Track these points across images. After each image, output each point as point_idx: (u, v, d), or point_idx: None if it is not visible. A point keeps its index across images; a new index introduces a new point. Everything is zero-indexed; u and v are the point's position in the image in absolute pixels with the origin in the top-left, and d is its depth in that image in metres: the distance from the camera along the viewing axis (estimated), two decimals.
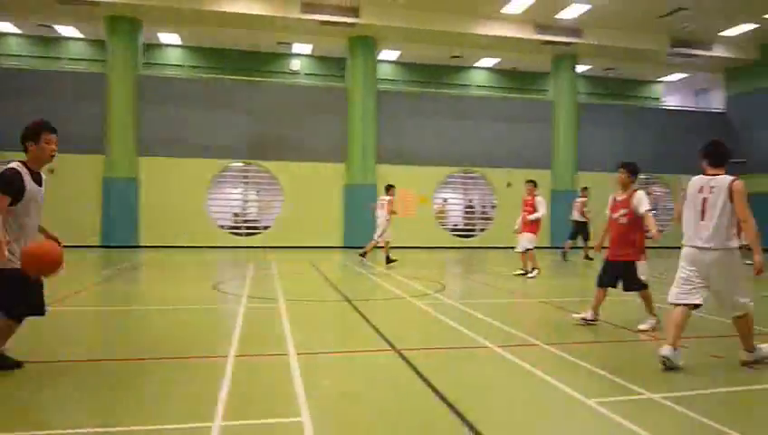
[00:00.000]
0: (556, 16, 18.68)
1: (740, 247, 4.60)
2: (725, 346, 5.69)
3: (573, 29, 19.51)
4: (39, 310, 4.33)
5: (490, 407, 3.79)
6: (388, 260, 12.93)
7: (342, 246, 19.16)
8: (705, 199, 4.61)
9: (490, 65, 24.48)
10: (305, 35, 20.22)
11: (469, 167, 21.07)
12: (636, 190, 6.39)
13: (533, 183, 11.97)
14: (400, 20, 18.50)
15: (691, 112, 24.29)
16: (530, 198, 11.70)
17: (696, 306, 4.67)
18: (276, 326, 6.15)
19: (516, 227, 11.92)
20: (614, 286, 6.43)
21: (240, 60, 22.69)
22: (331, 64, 23.42)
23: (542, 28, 19.36)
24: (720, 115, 23.30)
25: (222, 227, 19.54)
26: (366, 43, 19.64)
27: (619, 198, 6.43)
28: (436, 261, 15.68)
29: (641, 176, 22.29)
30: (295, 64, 23.60)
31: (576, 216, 15.72)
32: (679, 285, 4.75)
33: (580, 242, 15.89)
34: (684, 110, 24.67)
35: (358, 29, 18.73)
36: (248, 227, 20.03)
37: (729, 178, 4.60)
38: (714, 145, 4.79)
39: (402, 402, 3.83)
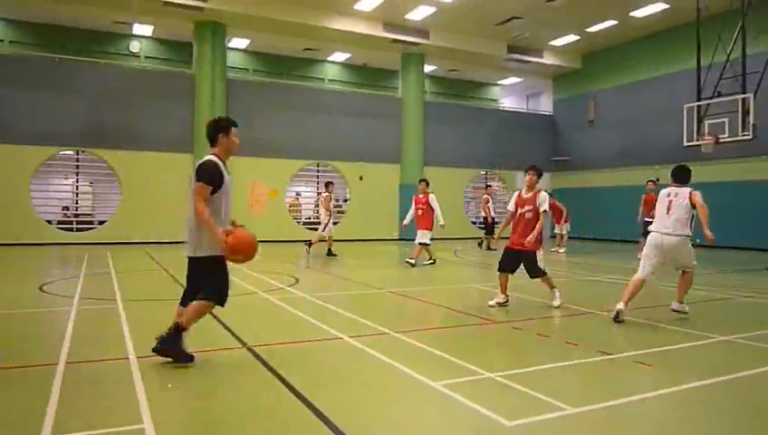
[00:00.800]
0: (405, 16, 19.34)
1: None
2: (553, 328, 6.32)
3: (421, 30, 20.35)
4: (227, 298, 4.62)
5: (344, 398, 3.82)
6: (330, 253, 14.34)
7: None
8: (671, 201, 6.49)
9: (342, 60, 24.70)
10: (145, 15, 18.84)
11: (322, 160, 21.16)
12: (540, 190, 7.26)
13: (426, 182, 12.70)
14: (250, 7, 17.95)
15: (524, 114, 26.59)
16: (423, 196, 12.43)
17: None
18: (114, 328, 5.69)
19: (406, 222, 12.88)
20: (513, 272, 7.31)
21: (74, 39, 20.54)
22: (175, 49, 22.10)
23: (391, 27, 19.94)
24: (549, 117, 25.77)
25: (49, 222, 17.62)
26: (214, 29, 18.80)
27: (526, 196, 7.27)
28: (290, 255, 15.52)
29: (480, 172, 24.17)
30: (135, 46, 21.92)
31: (482, 212, 17.70)
32: (644, 261, 6.55)
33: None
34: (518, 111, 26.92)
35: (205, 13, 17.84)
36: (80, 222, 18.28)
37: (689, 188, 6.53)
38: (679, 168, 6.77)
39: (254, 402, 3.72)
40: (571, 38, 21.50)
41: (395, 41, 20.34)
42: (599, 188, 22.69)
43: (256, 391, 3.92)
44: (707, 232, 6.32)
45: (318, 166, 21.47)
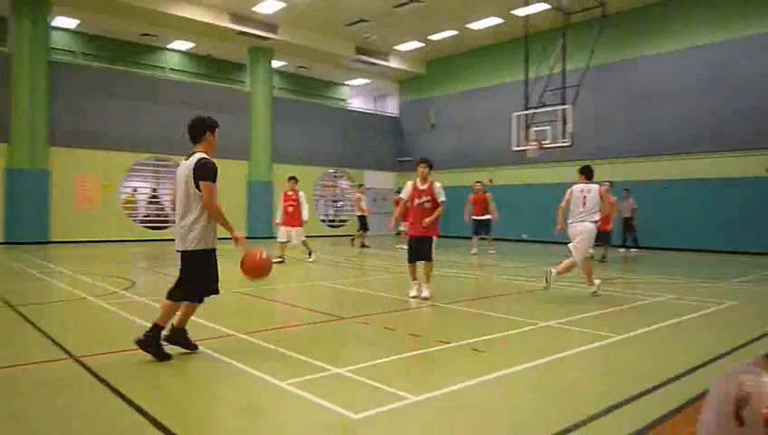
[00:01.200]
0: (253, 9, 18.86)
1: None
2: (398, 321, 6.55)
3: (269, 24, 19.99)
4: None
5: (186, 406, 3.62)
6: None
7: (4, 241, 16.18)
8: (585, 197, 7.90)
9: (184, 49, 23.40)
10: None
11: (162, 154, 19.89)
12: (433, 181, 7.69)
13: (295, 179, 12.77)
14: None
15: (372, 115, 27.31)
16: (292, 193, 12.48)
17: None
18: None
19: (278, 220, 12.77)
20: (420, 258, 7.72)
21: None
22: None
23: (237, 18, 19.34)
24: (395, 119, 26.74)
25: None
26: (34, 4, 16.80)
27: (422, 187, 7.69)
28: (125, 255, 14.40)
29: (329, 170, 24.37)
30: None
31: (357, 211, 17.75)
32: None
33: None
34: (366, 112, 27.59)
35: None
36: None
37: (597, 185, 7.96)
38: (587, 167, 8.21)
39: (85, 419, 3.37)
40: (416, 44, 22.51)
41: (242, 33, 19.75)
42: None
43: (88, 406, 3.56)
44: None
45: (156, 160, 20.16)
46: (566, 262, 7.95)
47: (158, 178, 21.05)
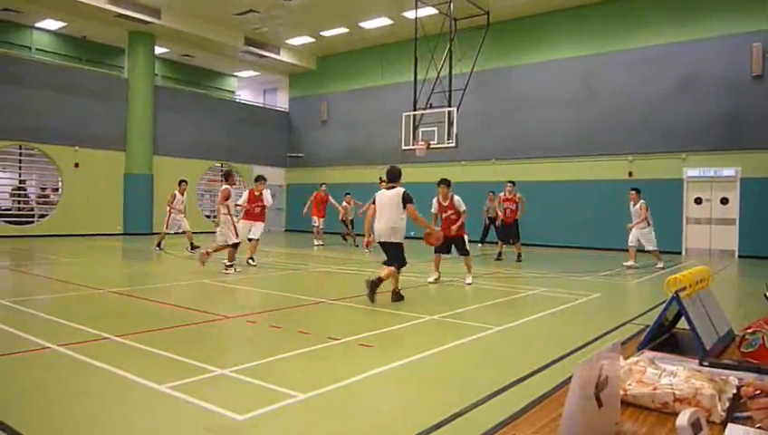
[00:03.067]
0: None
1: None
2: (286, 319, 6.47)
3: (152, 8, 18.85)
4: None
5: (53, 416, 3.33)
6: (193, 247, 13.75)
7: None
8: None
9: (54, 28, 21.45)
10: None
11: (27, 142, 18.14)
12: (453, 196, 9.36)
13: (263, 179, 11.95)
14: None
15: (261, 108, 26.67)
16: (260, 194, 11.60)
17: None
18: None
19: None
20: (448, 253, 9.46)
21: None
22: None
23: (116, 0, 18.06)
24: (285, 114, 26.32)
25: None
26: None
27: (445, 203, 9.43)
28: None
29: (215, 163, 23.50)
30: None
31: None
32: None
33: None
34: (255, 105, 26.89)
35: None
36: None
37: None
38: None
39: None
40: (307, 39, 22.30)
41: (120, 15, 18.46)
42: (330, 185, 23.99)
43: None
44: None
45: (21, 148, 18.36)
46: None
47: (21, 169, 19.19)
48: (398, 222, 7.16)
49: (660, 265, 12.17)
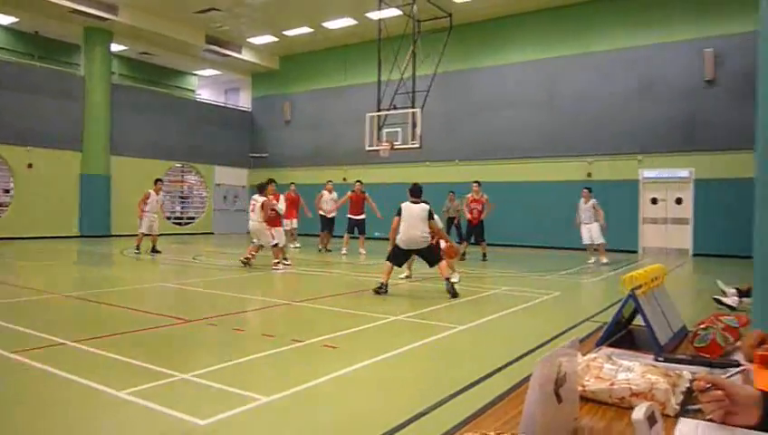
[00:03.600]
0: None
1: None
2: (249, 321, 6.39)
3: (109, 4, 18.37)
4: None
5: (11, 426, 3.21)
6: (153, 250, 13.48)
7: None
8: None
9: (6, 23, 20.65)
10: None
11: None
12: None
13: (274, 182, 11.90)
14: None
15: (223, 108, 26.25)
16: (273, 196, 11.53)
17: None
18: None
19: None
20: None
21: None
22: None
23: None
24: (247, 114, 25.99)
25: None
26: None
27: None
28: None
29: (176, 164, 23.07)
30: None
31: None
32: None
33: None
34: (216, 104, 26.45)
35: None
36: None
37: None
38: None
39: None
40: (269, 38, 22.08)
41: (75, 11, 17.92)
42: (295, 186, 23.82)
43: None
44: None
45: None
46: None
47: None
48: (426, 232, 8.07)
49: (605, 260, 12.90)
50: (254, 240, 11.49)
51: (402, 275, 9.57)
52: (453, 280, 8.35)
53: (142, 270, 11.20)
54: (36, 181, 18.36)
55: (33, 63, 19.94)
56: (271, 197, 11.45)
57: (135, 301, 7.55)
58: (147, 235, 13.71)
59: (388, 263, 8.17)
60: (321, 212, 15.46)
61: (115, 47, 21.20)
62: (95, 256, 13.98)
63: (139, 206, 13.80)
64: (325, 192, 15.56)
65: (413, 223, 8.03)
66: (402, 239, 8.06)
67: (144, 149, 21.35)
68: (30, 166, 18.21)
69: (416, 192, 8.38)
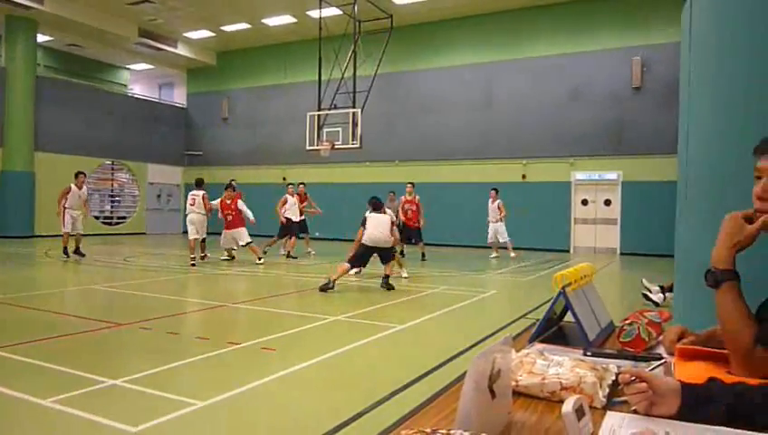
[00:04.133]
0: None
1: None
2: (184, 325, 6.22)
3: None
4: None
5: None
6: (76, 251, 12.55)
7: None
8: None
9: None
10: None
11: None
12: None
13: (232, 186, 12.54)
14: None
15: (157, 103, 25.33)
16: (231, 202, 12.09)
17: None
18: None
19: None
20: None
21: None
22: None
23: None
24: (182, 110, 25.23)
25: None
26: None
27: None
28: None
29: (106, 161, 22.11)
30: None
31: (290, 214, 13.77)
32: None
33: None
34: (150, 100, 25.50)
35: None
36: None
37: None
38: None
39: None
40: (206, 33, 21.53)
41: None
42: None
43: None
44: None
45: None
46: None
47: None
48: (388, 236, 9.00)
49: (513, 254, 14.12)
50: (195, 234, 11.94)
51: (405, 275, 10.08)
52: (403, 275, 9.91)
53: (69, 272, 10.68)
54: None
55: None
56: (228, 199, 12.20)
57: (62, 305, 7.19)
58: (71, 234, 12.54)
59: (347, 265, 8.72)
60: (288, 216, 13.70)
61: (41, 38, 20.12)
62: (17, 257, 13.20)
63: (59, 202, 12.49)
64: (288, 196, 14.03)
65: (380, 228, 8.96)
66: (369, 239, 8.87)
67: (72, 145, 20.35)
68: None
69: (378, 206, 9.27)
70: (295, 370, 4.28)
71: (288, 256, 13.46)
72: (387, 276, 8.73)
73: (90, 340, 5.29)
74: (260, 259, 11.93)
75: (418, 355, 4.96)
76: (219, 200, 12.27)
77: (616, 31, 16.87)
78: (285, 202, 13.73)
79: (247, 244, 12.05)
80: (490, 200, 14.42)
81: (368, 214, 9.20)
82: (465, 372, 0.98)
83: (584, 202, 17.41)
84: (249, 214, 12.39)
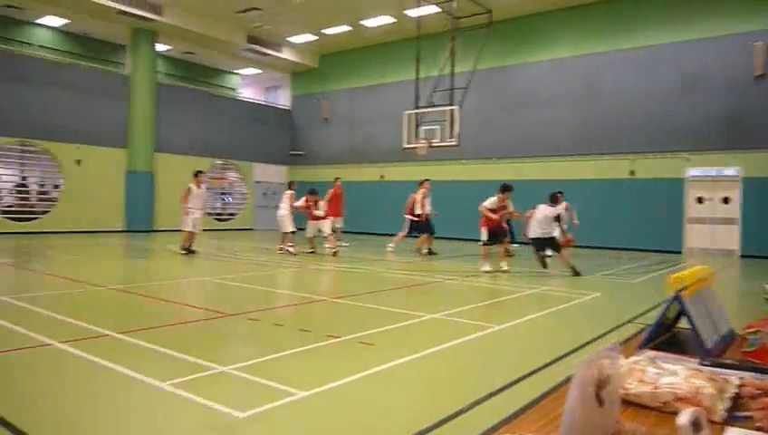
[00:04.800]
0: None
1: None
2: (287, 317, 6.47)
3: (154, 5, 18.86)
4: None
5: (55, 413, 3.34)
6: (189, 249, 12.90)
7: None
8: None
9: (57, 25, 21.41)
10: None
11: (28, 139, 18.15)
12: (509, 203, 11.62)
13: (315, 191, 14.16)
14: None
15: (263, 106, 26.60)
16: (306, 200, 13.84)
17: None
18: None
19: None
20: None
21: None
22: None
23: None
24: (287, 112, 26.30)
25: None
26: None
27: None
28: None
29: (217, 161, 23.49)
30: None
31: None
32: None
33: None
34: (257, 103, 26.82)
35: None
36: None
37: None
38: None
39: None
40: (309, 37, 22.28)
41: (122, 12, 18.46)
42: (332, 183, 23.98)
43: None
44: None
45: (23, 145, 18.37)
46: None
47: (24, 166, 19.20)
48: (554, 228, 10.72)
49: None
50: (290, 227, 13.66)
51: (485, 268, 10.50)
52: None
53: (184, 265, 11.46)
54: (84, 177, 19.01)
55: (83, 63, 20.62)
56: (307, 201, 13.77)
57: (178, 295, 7.74)
58: (191, 232, 12.82)
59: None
60: (417, 214, 13.73)
61: (160, 47, 21.75)
62: (139, 250, 14.38)
63: (182, 202, 12.97)
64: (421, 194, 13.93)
65: (545, 220, 10.48)
66: (534, 230, 10.64)
67: (187, 146, 21.87)
68: (78, 162, 18.86)
69: (553, 199, 10.85)
70: (392, 366, 4.33)
71: (430, 252, 13.94)
72: (571, 268, 10.37)
73: (202, 328, 5.66)
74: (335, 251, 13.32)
75: (517, 357, 4.85)
76: (303, 199, 13.90)
77: (735, 14, 15.51)
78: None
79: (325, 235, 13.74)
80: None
81: (540, 205, 10.82)
82: (568, 378, 0.94)
83: (699, 200, 16.20)
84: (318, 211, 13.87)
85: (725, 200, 15.84)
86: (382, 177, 21.30)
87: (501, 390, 3.77)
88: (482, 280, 9.62)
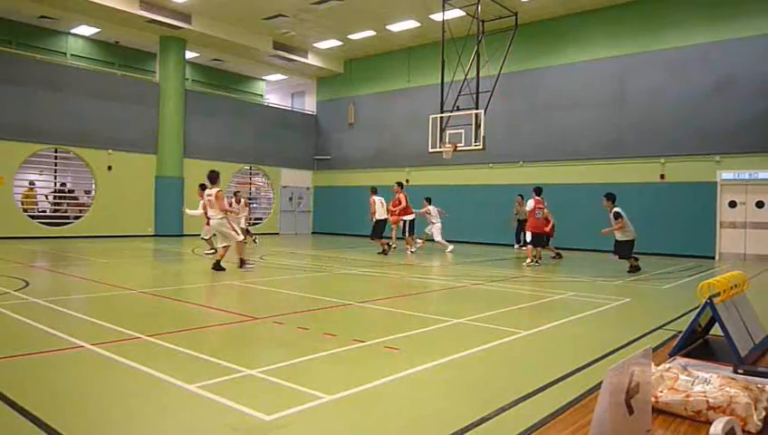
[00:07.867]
0: None
1: None
2: (312, 321, 6.51)
3: (182, 13, 19.22)
4: None
5: (87, 414, 3.41)
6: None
7: None
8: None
9: (89, 34, 21.97)
10: None
11: (61, 145, 18.63)
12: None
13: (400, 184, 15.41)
14: None
15: (289, 112, 26.88)
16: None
17: None
18: None
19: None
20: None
21: None
22: None
23: (148, 5, 18.44)
24: (312, 117, 26.51)
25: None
26: None
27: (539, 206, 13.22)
28: (19, 253, 13.38)
29: (244, 167, 23.75)
30: None
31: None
32: None
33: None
34: (283, 108, 27.11)
35: None
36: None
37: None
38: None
39: None
40: (334, 43, 22.43)
41: (152, 21, 18.85)
42: (357, 187, 24.09)
43: None
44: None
45: (56, 152, 18.86)
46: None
47: (57, 172, 19.70)
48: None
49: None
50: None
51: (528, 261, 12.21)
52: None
53: (211, 269, 11.60)
54: (115, 183, 19.42)
55: (114, 71, 21.10)
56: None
57: (205, 298, 7.84)
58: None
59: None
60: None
61: (188, 54, 22.13)
62: (168, 254, 14.62)
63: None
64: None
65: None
66: (630, 232, 11.46)
67: (214, 152, 22.18)
68: (110, 168, 19.28)
69: (612, 198, 11.68)
70: (417, 371, 4.32)
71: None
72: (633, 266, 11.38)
73: (229, 331, 5.72)
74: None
75: (544, 363, 4.79)
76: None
77: (766, 14, 15.14)
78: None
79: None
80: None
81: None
82: (597, 385, 0.93)
83: (732, 204, 15.82)
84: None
85: (759, 204, 15.44)
86: (407, 181, 21.27)
87: (528, 396, 3.73)
88: (507, 285, 9.53)
